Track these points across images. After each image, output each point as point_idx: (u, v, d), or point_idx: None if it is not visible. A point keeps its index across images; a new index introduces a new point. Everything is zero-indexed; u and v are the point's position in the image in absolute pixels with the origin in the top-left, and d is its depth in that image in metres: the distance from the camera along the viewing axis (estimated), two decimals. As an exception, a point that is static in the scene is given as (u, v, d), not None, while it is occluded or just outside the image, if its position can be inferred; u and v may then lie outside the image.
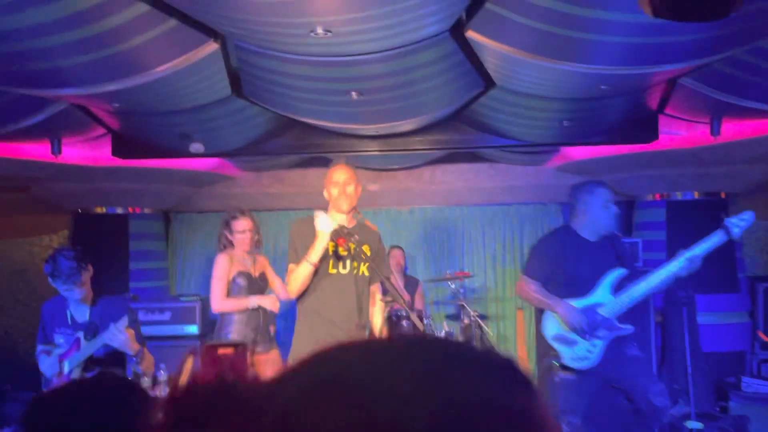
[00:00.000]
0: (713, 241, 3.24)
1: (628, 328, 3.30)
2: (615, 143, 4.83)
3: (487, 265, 6.65)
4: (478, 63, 3.39)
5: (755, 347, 5.65)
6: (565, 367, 3.31)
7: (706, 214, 5.63)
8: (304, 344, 3.16)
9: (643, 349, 4.63)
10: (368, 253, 3.17)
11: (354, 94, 3.49)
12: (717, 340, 5.54)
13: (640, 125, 4.53)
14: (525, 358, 4.67)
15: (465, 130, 4.80)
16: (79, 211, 6.00)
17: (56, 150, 4.61)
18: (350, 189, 3.14)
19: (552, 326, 3.35)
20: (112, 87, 3.12)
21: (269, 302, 4.15)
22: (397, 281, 5.89)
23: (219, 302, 4.11)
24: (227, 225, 4.18)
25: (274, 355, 4.30)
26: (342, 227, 3.04)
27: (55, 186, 5.69)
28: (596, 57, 2.90)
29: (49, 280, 3.18)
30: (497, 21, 2.69)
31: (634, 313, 3.48)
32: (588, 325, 3.23)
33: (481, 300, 6.54)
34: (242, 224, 4.14)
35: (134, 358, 3.19)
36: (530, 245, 6.57)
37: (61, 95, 3.43)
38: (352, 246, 3.03)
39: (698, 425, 4.35)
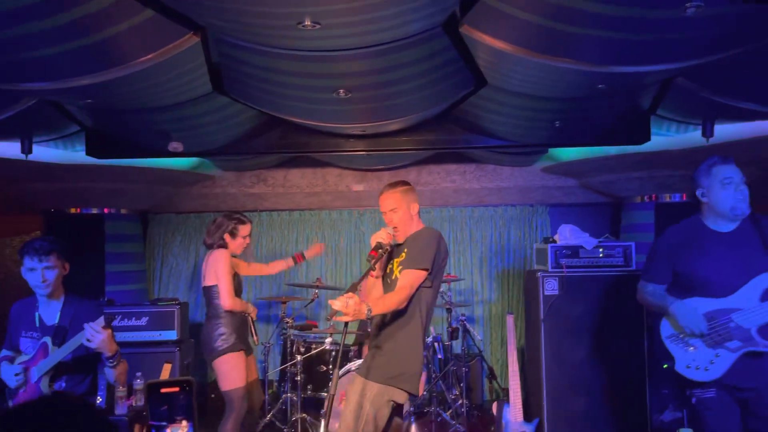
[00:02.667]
0: None
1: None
2: (606, 144, 4.74)
3: (474, 267, 6.55)
4: (471, 60, 3.27)
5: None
6: (683, 377, 2.87)
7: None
8: None
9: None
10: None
11: (341, 92, 3.35)
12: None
13: (632, 126, 4.45)
14: (515, 363, 4.57)
15: (454, 130, 4.68)
16: (52, 211, 5.77)
17: (26, 148, 4.40)
18: (393, 217, 3.16)
19: (667, 326, 2.94)
20: (84, 81, 2.94)
21: (253, 309, 4.33)
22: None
23: (232, 299, 4.08)
24: (232, 227, 4.18)
25: (250, 359, 4.36)
26: (379, 243, 3.02)
27: (27, 186, 5.47)
28: (596, 54, 2.79)
29: (19, 257, 3.05)
30: (495, 16, 2.56)
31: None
32: (706, 328, 2.75)
33: (468, 303, 6.44)
34: (248, 229, 4.24)
35: (110, 360, 3.01)
36: (517, 248, 6.63)
37: (30, 90, 3.23)
38: (373, 263, 3.02)
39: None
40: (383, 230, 3.07)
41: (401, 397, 3.05)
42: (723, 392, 2.77)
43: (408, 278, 2.96)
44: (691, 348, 2.83)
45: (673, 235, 2.97)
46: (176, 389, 2.51)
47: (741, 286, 2.75)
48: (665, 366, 2.89)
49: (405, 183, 3.24)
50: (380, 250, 2.98)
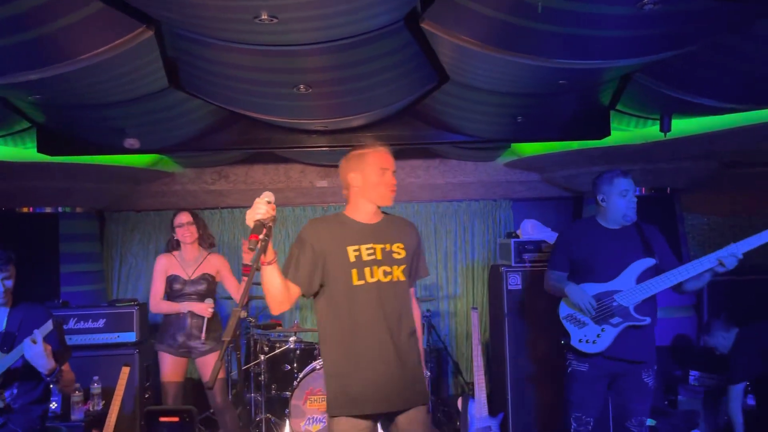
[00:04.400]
0: (764, 238, 3.12)
1: (644, 320, 3.25)
2: (567, 139, 4.79)
3: (439, 262, 6.56)
4: (433, 56, 3.25)
5: (700, 341, 5.75)
6: (574, 350, 3.35)
7: (652, 209, 5.71)
8: None
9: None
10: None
11: (302, 88, 3.29)
12: (663, 334, 5.60)
13: (593, 121, 4.50)
14: (479, 358, 4.59)
15: (417, 126, 4.66)
16: (3, 210, 5.55)
17: (-27, 145, 4.22)
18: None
19: (564, 307, 3.44)
20: (31, 76, 2.81)
21: (200, 308, 4.24)
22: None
23: (154, 304, 4.34)
24: (171, 223, 4.36)
25: (211, 358, 4.28)
26: (260, 222, 2.27)
27: (-26, 184, 5.25)
28: (556, 50, 2.80)
29: None
30: (455, 11, 2.54)
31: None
32: (592, 306, 3.24)
33: (433, 298, 6.44)
34: (179, 218, 4.32)
35: (48, 378, 2.91)
36: (481, 242, 6.66)
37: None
38: (259, 249, 2.30)
39: (651, 422, 4.36)
40: (258, 201, 2.25)
41: None
42: (596, 370, 3.30)
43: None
44: (582, 325, 3.31)
45: (572, 230, 3.57)
46: (176, 419, 2.46)
47: (621, 272, 3.29)
48: (563, 342, 3.37)
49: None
50: (264, 231, 2.20)
